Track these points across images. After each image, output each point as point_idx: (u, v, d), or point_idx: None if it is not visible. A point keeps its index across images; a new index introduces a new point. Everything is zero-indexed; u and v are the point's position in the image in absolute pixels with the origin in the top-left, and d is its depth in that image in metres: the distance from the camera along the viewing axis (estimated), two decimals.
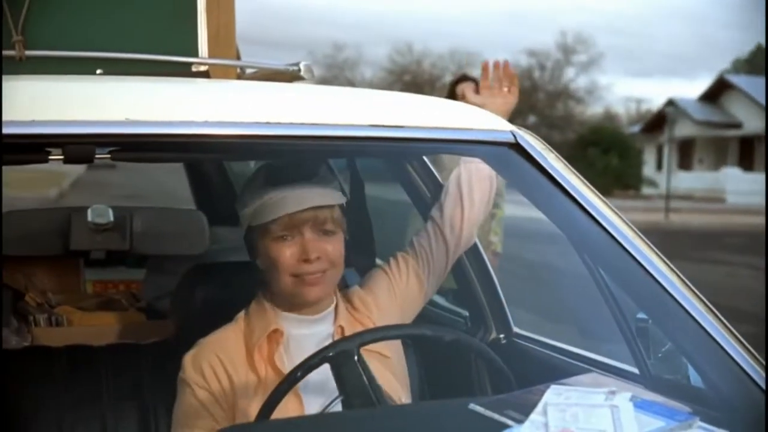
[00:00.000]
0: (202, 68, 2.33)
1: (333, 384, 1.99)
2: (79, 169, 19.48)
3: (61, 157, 1.85)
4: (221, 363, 2.23)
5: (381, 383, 2.19)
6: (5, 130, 1.68)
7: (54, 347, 2.70)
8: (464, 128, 2.06)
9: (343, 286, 2.53)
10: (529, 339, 2.91)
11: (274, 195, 2.21)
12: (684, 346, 2.05)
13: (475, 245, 2.85)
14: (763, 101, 34.07)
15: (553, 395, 1.70)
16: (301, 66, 2.45)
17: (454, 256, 2.53)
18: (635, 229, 2.00)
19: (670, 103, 43.82)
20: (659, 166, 44.46)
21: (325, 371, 1.97)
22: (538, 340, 2.88)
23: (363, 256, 3.25)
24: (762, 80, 33.80)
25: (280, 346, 2.26)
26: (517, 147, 2.08)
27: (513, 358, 2.27)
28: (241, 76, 2.55)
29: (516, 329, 2.96)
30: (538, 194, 2.12)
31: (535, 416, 1.62)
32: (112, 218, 2.08)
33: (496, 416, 1.66)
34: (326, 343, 2.21)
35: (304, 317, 2.29)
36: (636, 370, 2.33)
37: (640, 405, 1.67)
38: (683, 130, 43.16)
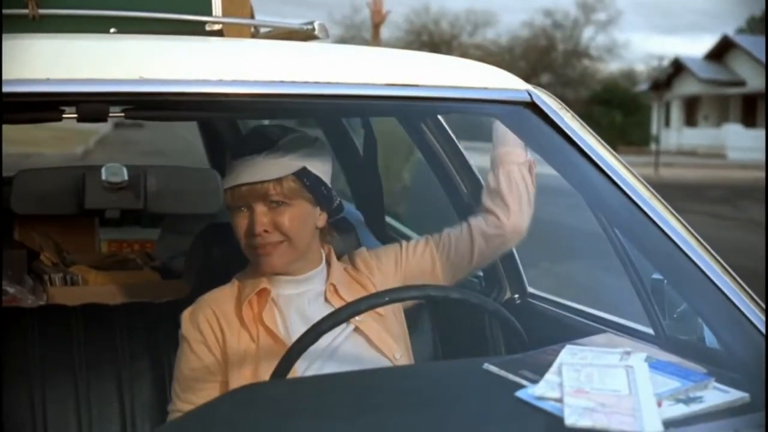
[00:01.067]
0: (216, 27, 2.32)
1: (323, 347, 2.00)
2: (105, 127, 19.43)
3: (75, 115, 1.84)
4: (216, 318, 2.28)
5: (377, 342, 2.22)
6: (20, 89, 1.68)
7: (69, 306, 2.71)
8: (479, 87, 2.04)
9: (356, 246, 2.53)
10: (543, 299, 2.91)
11: (231, 165, 2.25)
12: (699, 307, 2.05)
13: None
14: (764, 60, 34.74)
15: (568, 355, 1.70)
16: (316, 25, 2.43)
17: (481, 259, 2.49)
18: (651, 188, 1.99)
19: (676, 61, 44.77)
20: (667, 123, 44.81)
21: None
22: (552, 300, 2.88)
23: (373, 215, 3.26)
24: (764, 40, 34.19)
25: (267, 304, 2.29)
26: (532, 106, 2.06)
27: (527, 318, 2.27)
28: (255, 35, 2.54)
29: (530, 289, 2.96)
30: (553, 154, 2.11)
31: (549, 376, 1.62)
32: (126, 177, 2.07)
33: (511, 376, 1.66)
34: (317, 301, 2.26)
35: (290, 278, 2.32)
36: (651, 331, 2.32)
37: (655, 366, 1.67)
38: (689, 87, 44.24)
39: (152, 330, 2.65)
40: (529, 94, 2.07)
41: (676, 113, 46.15)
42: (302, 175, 2.25)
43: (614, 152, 2.06)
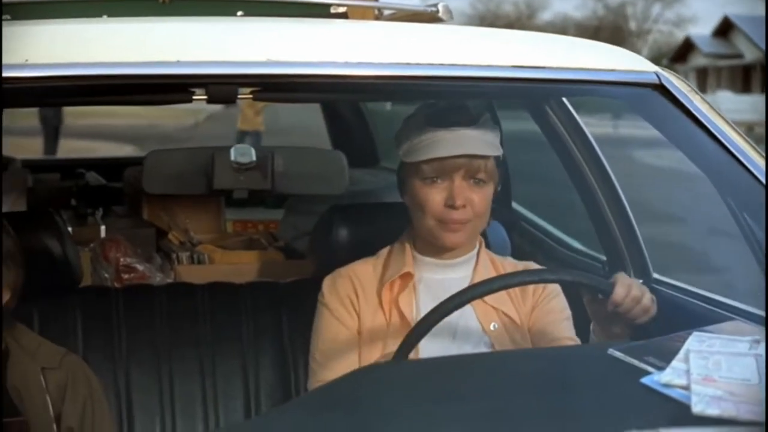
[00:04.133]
0: (341, 9, 2.34)
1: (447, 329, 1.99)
2: (211, 106, 20.31)
3: (205, 97, 1.88)
4: (355, 291, 2.29)
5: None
6: (152, 71, 1.71)
7: (196, 284, 2.76)
8: (607, 69, 2.01)
9: (482, 234, 2.52)
10: (668, 285, 2.86)
11: (432, 135, 2.19)
12: None
13: (613, 185, 2.80)
14: (755, 37, 42.65)
15: (695, 342, 1.67)
16: (440, 7, 2.42)
17: None
18: None
19: (686, 39, 52.51)
20: None
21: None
22: (678, 286, 2.82)
23: (500, 204, 3.24)
24: (759, 18, 39.44)
25: (407, 289, 2.28)
26: (661, 88, 2.03)
27: None
28: (379, 17, 2.55)
29: (655, 275, 2.91)
30: (682, 137, 2.07)
31: (676, 363, 1.59)
32: (254, 158, 2.11)
33: (636, 362, 1.64)
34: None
35: (441, 261, 2.30)
36: None
37: None
38: (699, 60, 52.08)
39: (276, 309, 2.68)
40: (658, 77, 2.04)
41: (692, 83, 51.59)
42: (499, 157, 2.25)
43: (746, 137, 2.01)
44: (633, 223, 2.91)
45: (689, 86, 2.05)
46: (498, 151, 2.24)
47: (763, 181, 1.93)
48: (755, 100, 36.74)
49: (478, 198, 2.20)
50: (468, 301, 2.01)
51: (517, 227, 3.37)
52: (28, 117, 13.12)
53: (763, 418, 1.42)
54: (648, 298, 2.07)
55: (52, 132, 14.75)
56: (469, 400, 1.52)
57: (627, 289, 2.03)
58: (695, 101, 2.01)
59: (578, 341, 2.28)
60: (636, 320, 2.06)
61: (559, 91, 2.46)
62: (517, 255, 2.66)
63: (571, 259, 3.25)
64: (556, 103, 2.89)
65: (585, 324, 2.31)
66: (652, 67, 2.07)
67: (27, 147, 12.25)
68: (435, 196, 2.19)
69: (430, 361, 1.93)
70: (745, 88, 47.96)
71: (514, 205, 3.60)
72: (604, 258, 3.02)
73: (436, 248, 2.28)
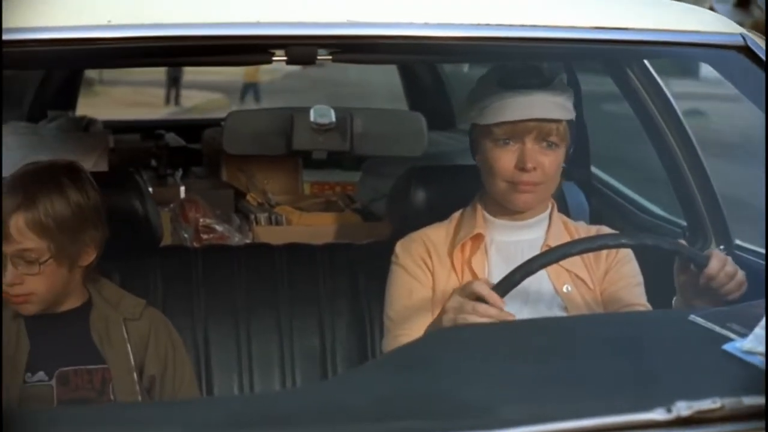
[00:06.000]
0: None
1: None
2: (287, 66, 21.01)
3: (284, 58, 1.88)
4: (428, 253, 2.29)
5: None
6: (231, 32, 1.72)
7: (274, 245, 2.78)
8: (691, 31, 1.97)
9: (561, 198, 2.49)
10: (750, 251, 2.81)
11: (503, 98, 2.18)
12: None
13: (695, 150, 2.76)
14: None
15: None
16: None
17: None
18: None
19: (710, 7, 53.85)
20: None
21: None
22: (760, 252, 2.77)
23: (578, 167, 3.20)
24: None
25: (479, 251, 2.27)
26: (746, 51, 1.98)
27: None
28: None
29: (737, 241, 2.86)
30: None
31: (759, 330, 1.56)
32: (333, 119, 2.10)
33: (718, 328, 1.61)
34: (534, 250, 2.20)
35: (513, 223, 2.29)
36: None
37: None
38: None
39: (353, 271, 2.69)
40: (743, 38, 1.99)
41: None
42: (572, 120, 2.23)
43: None
44: (713, 188, 2.87)
45: None
46: (570, 115, 2.22)
47: None
48: None
49: (549, 161, 2.19)
50: (560, 259, 2.01)
51: (596, 191, 3.33)
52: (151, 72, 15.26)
53: None
54: (742, 274, 2.06)
55: (172, 83, 17.68)
56: (544, 363, 1.51)
57: (722, 263, 2.02)
58: None
59: (650, 308, 2.26)
60: (727, 296, 2.04)
61: (641, 53, 2.42)
62: (595, 219, 2.64)
63: (650, 224, 3.21)
64: (637, 66, 2.84)
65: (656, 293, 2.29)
66: (737, 29, 2.02)
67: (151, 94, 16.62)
68: (506, 158, 2.19)
69: (507, 324, 1.92)
70: None
71: (595, 170, 3.56)
72: (684, 224, 2.98)
73: (507, 210, 2.27)
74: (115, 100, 14.77)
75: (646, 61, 2.82)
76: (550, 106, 2.17)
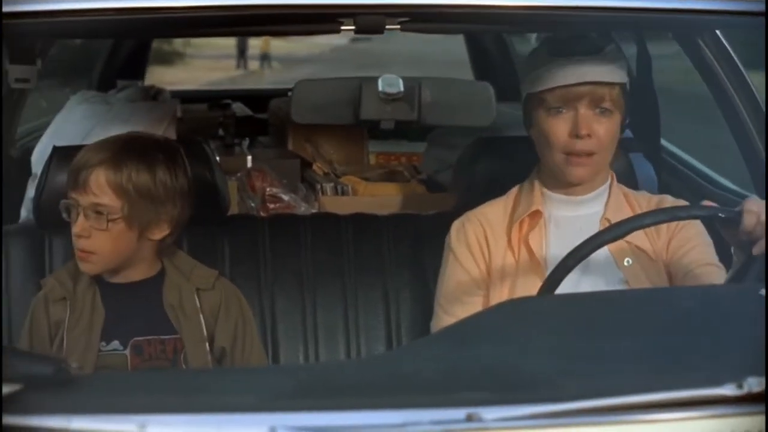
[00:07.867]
0: None
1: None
2: (336, 39, 22.85)
3: (353, 27, 1.87)
4: (485, 234, 2.28)
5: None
6: (300, 1, 1.72)
7: (340, 215, 2.79)
8: None
9: (629, 170, 2.46)
10: None
11: (554, 65, 2.17)
12: None
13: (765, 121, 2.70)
14: None
15: None
16: None
17: None
18: None
19: None
20: None
21: None
22: None
23: (648, 139, 3.16)
24: None
25: (537, 227, 2.25)
26: None
27: None
28: None
29: None
30: None
31: None
32: (402, 88, 2.09)
33: None
34: (589, 230, 2.16)
35: (571, 198, 2.27)
36: None
37: None
38: None
39: (418, 241, 2.69)
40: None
41: None
42: (625, 87, 2.21)
43: None
44: None
45: None
46: (623, 79, 2.19)
47: None
48: None
49: (604, 129, 2.16)
50: (602, 245, 1.98)
51: (665, 164, 3.29)
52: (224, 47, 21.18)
53: None
54: None
55: (240, 53, 22.66)
56: (614, 336, 1.50)
57: (756, 216, 1.93)
58: None
59: (723, 267, 2.22)
60: None
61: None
62: (663, 191, 2.60)
63: (720, 197, 3.16)
64: (710, 38, 2.79)
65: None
66: None
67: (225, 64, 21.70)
68: (559, 126, 2.16)
69: (570, 297, 1.91)
70: None
71: (665, 143, 3.51)
72: (754, 196, 2.92)
73: (564, 184, 2.25)
74: (200, 67, 20.63)
75: (718, 32, 2.77)
76: (602, 70, 2.15)
